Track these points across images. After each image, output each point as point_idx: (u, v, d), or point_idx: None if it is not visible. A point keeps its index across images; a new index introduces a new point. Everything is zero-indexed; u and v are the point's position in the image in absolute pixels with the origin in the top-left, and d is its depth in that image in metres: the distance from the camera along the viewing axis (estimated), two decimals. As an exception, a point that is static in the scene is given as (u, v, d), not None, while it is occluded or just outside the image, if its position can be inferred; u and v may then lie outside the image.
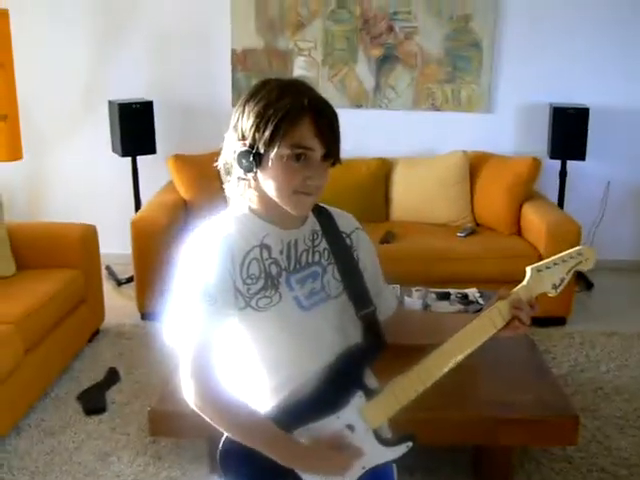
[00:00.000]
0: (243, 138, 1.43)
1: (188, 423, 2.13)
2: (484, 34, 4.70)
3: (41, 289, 3.38)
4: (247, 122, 1.42)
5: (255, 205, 1.50)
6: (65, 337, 3.52)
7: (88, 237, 3.82)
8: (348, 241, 1.60)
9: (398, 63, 4.78)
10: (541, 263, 1.49)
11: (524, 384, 2.63)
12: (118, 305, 4.30)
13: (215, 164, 1.53)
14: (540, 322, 3.91)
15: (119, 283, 4.70)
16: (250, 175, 1.44)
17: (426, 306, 3.08)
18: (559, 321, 4.12)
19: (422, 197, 4.56)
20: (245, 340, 1.47)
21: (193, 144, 4.58)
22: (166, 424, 2.52)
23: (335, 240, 1.57)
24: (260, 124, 1.40)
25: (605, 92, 4.77)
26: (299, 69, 4.78)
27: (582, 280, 4.66)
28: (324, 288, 1.52)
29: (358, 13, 4.69)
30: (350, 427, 1.47)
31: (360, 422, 1.48)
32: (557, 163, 4.67)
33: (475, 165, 4.61)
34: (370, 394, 1.49)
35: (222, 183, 1.52)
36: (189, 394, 1.44)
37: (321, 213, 1.59)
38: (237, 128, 1.45)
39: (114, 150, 4.62)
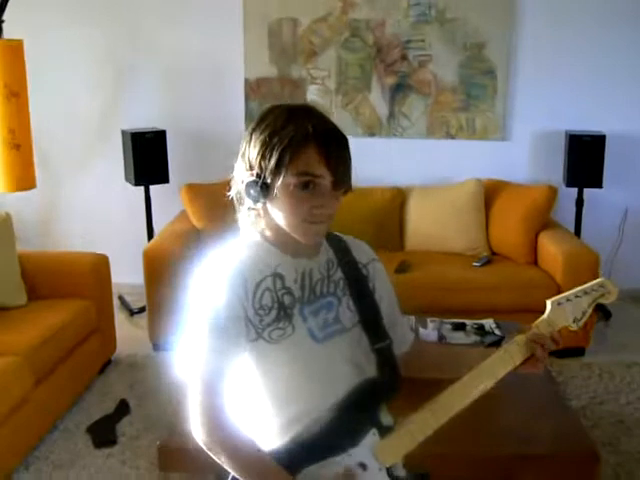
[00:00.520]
0: (250, 168, 1.40)
1: (198, 458, 2.06)
2: (498, 61, 4.68)
3: (52, 320, 3.34)
4: (253, 151, 1.39)
5: (268, 234, 1.46)
6: (76, 368, 3.47)
7: (100, 267, 3.80)
8: (364, 271, 1.55)
9: (412, 91, 4.76)
10: (562, 296, 1.44)
11: (542, 418, 2.55)
12: (130, 335, 4.26)
13: (228, 193, 1.50)
14: (558, 353, 3.82)
15: (132, 313, 4.66)
16: (259, 205, 1.41)
17: (441, 337, 3.02)
18: (577, 352, 4.04)
19: (437, 226, 4.51)
20: (253, 373, 1.42)
21: (206, 173, 4.52)
22: (176, 459, 2.45)
23: (351, 270, 1.53)
24: (266, 153, 1.37)
25: (621, 119, 4.72)
26: (313, 97, 4.77)
27: (600, 310, 4.58)
28: (339, 319, 1.48)
29: (371, 42, 4.69)
30: (362, 465, 1.41)
31: (373, 461, 1.41)
32: (573, 191, 4.61)
33: (490, 193, 4.56)
34: (384, 431, 1.44)
35: (235, 212, 1.50)
36: (197, 432, 1.39)
37: (337, 242, 1.55)
38: (245, 157, 1.42)
39: (127, 179, 4.61)
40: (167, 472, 2.82)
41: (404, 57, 4.70)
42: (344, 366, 1.46)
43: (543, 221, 4.39)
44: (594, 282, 1.47)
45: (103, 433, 3.19)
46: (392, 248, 4.46)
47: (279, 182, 1.36)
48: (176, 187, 4.54)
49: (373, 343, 1.49)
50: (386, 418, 1.48)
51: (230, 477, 1.44)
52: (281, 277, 1.43)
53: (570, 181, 4.55)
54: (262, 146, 1.38)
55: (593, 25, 4.64)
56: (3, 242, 3.54)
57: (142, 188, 4.63)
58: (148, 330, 4.09)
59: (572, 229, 4.60)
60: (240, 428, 1.41)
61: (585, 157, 4.44)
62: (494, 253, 4.46)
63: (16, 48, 3.95)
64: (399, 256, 4.30)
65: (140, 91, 4.84)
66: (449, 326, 3.14)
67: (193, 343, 1.39)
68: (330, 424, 1.41)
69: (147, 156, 4.48)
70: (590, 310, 1.46)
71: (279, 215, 1.40)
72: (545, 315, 1.43)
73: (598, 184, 4.48)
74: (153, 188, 4.66)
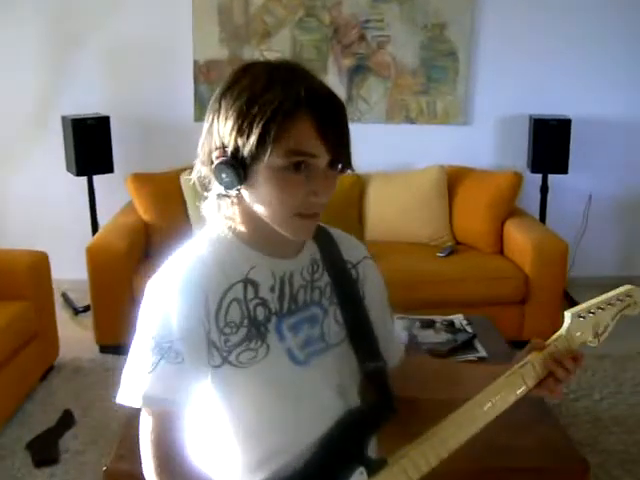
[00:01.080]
0: (222, 145, 1.11)
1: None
2: (460, 43, 4.48)
3: (-15, 325, 3.05)
4: (225, 124, 1.10)
5: (240, 228, 1.18)
6: (14, 377, 3.17)
7: (39, 265, 3.50)
8: (354, 273, 1.30)
9: (370, 74, 4.53)
10: (582, 307, 1.22)
11: (528, 429, 2.36)
12: (74, 337, 3.96)
13: (187, 177, 1.23)
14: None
15: (76, 312, 4.37)
16: (233, 192, 1.14)
17: (412, 337, 2.82)
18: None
19: (399, 215, 4.31)
20: (215, 404, 1.17)
21: (153, 162, 4.30)
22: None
23: (338, 273, 1.26)
24: (243, 126, 1.08)
25: (587, 103, 4.58)
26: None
27: (566, 298, 4.44)
28: (323, 336, 1.22)
29: (328, 21, 4.44)
30: None
31: (360, 507, 1.19)
32: (537, 177, 4.46)
33: (453, 180, 4.36)
34: (373, 469, 1.20)
35: (186, 204, 1.24)
36: (149, 472, 1.15)
37: (322, 236, 1.29)
38: (212, 132, 1.13)
39: (68, 169, 4.31)
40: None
41: (362, 38, 4.47)
42: (328, 392, 1.22)
43: (508, 209, 4.22)
44: (620, 291, 1.27)
45: (44, 450, 2.90)
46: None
47: (261, 164, 1.09)
48: (121, 177, 4.26)
49: (362, 363, 1.25)
50: (373, 452, 1.26)
51: None
52: (254, 284, 1.17)
53: (535, 167, 4.40)
54: (238, 117, 1.09)
55: (558, 7, 4.47)
56: None
57: (85, 179, 4.34)
58: (94, 330, 3.82)
59: (536, 216, 4.45)
60: (198, 469, 1.17)
61: (551, 142, 4.29)
62: (458, 242, 4.28)
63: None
64: (360, 247, 4.09)
65: (81, 74, 4.52)
66: (418, 323, 2.96)
67: (142, 370, 1.14)
68: (308, 464, 1.18)
69: (90, 144, 4.19)
70: (613, 324, 1.25)
71: (259, 206, 1.13)
72: (563, 330, 1.22)
73: (564, 170, 4.34)
74: (97, 178, 4.37)
